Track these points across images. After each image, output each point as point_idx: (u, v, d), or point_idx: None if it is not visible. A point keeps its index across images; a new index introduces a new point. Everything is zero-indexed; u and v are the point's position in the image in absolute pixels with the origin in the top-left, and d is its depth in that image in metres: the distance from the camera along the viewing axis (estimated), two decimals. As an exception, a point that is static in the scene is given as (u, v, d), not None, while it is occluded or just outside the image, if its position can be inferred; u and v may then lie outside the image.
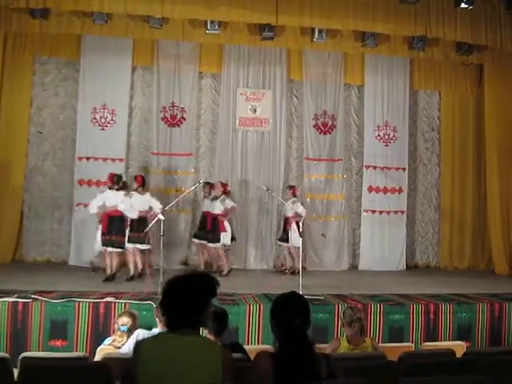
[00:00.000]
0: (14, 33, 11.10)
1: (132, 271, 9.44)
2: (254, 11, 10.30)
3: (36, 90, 11.60)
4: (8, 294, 7.07)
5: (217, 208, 10.31)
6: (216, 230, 10.22)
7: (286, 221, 10.86)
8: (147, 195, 9.71)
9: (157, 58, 11.78)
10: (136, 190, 9.66)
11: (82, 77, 11.48)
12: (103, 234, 9.27)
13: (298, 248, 9.70)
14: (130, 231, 9.39)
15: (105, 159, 11.40)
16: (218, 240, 10.20)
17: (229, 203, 10.41)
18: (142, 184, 9.77)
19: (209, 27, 10.85)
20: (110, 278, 9.17)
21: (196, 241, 10.97)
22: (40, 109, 11.62)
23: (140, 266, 9.52)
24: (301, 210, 10.67)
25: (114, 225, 9.27)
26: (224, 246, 10.35)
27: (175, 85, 11.86)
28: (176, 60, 11.82)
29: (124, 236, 9.33)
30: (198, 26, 11.07)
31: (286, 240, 10.81)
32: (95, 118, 11.50)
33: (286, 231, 10.90)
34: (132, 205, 9.37)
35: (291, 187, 11.05)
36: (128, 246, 9.35)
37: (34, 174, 11.57)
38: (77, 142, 11.45)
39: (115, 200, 9.34)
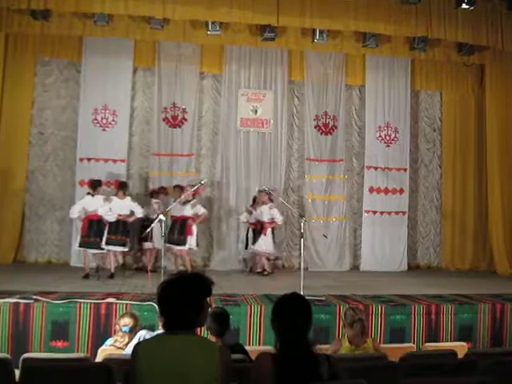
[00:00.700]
0: (16, 34, 11.13)
1: (112, 269, 9.67)
2: (255, 12, 10.31)
3: (37, 91, 11.63)
4: (10, 294, 7.07)
5: (186, 211, 10.27)
6: (183, 233, 10.20)
7: (262, 225, 10.74)
8: (127, 199, 9.83)
9: (158, 58, 11.79)
10: (116, 194, 9.79)
11: (84, 78, 11.50)
12: (82, 236, 9.56)
13: (269, 253, 10.62)
14: (108, 233, 9.58)
15: (106, 160, 11.42)
16: (184, 243, 10.15)
17: (200, 209, 10.35)
18: (120, 188, 9.85)
19: (210, 28, 10.86)
20: (87, 276, 9.45)
21: (166, 244, 10.85)
22: (41, 110, 11.65)
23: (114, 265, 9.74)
24: (277, 216, 10.77)
25: (92, 228, 9.50)
26: (190, 249, 10.31)
27: (176, 86, 11.88)
28: (177, 61, 11.83)
29: (101, 238, 9.52)
30: (199, 27, 11.08)
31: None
32: (96, 119, 11.51)
33: (257, 236, 10.77)
34: (111, 208, 9.55)
35: (266, 192, 10.78)
36: (106, 247, 9.58)
37: (36, 174, 11.59)
38: (78, 142, 11.47)
39: (95, 205, 9.56)
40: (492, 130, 12.27)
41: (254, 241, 10.81)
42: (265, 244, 10.66)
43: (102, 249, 9.56)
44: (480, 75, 12.81)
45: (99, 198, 9.64)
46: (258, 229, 10.80)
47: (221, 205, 11.96)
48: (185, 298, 2.88)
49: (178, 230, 10.23)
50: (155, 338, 3.09)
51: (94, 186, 9.77)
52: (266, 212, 10.70)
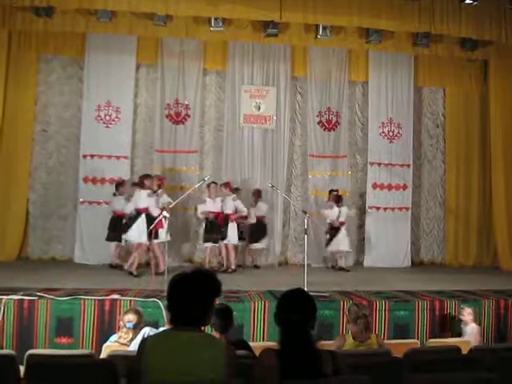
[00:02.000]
0: (19, 31, 11.12)
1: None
2: (258, 8, 10.29)
3: (40, 89, 11.63)
4: (14, 291, 7.09)
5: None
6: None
7: (226, 218, 10.53)
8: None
9: (161, 55, 11.79)
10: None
11: (87, 75, 11.51)
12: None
13: (235, 246, 10.57)
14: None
15: (109, 157, 11.44)
16: (156, 237, 9.69)
17: (166, 199, 9.98)
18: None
19: (213, 24, 10.83)
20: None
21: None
22: (45, 107, 11.65)
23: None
24: (241, 206, 10.67)
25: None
26: (159, 242, 9.80)
27: (179, 82, 11.87)
28: (180, 57, 11.82)
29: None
30: (202, 23, 11.05)
31: (222, 238, 10.56)
32: (99, 116, 11.52)
33: (221, 228, 10.56)
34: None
35: (226, 184, 10.75)
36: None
37: (39, 172, 11.60)
38: (81, 139, 11.47)
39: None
40: (496, 126, 12.24)
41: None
42: (232, 235, 10.55)
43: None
44: (483, 71, 12.77)
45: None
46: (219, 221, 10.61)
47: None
48: (195, 295, 2.88)
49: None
50: (161, 333, 3.10)
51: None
52: (230, 204, 10.56)
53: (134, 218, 9.65)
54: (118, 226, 10.27)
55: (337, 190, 11.48)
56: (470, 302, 7.64)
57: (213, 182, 10.67)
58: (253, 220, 11.14)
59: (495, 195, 12.28)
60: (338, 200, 11.24)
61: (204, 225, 10.82)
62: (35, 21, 10.56)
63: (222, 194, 10.69)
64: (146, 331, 4.93)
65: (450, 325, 7.38)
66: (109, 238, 10.45)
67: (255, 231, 11.26)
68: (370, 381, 3.01)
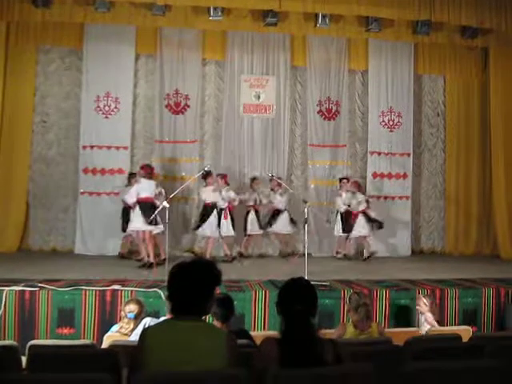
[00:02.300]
0: (17, 22, 11.06)
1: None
2: (257, -3, 10.26)
3: (39, 80, 11.60)
4: (15, 282, 7.11)
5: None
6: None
7: (221, 210, 10.48)
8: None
9: (160, 45, 11.74)
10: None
11: (86, 65, 11.47)
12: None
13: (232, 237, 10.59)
14: None
15: (109, 147, 11.42)
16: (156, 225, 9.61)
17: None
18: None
19: (212, 14, 10.76)
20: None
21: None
22: (44, 98, 11.63)
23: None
24: (233, 195, 10.60)
25: None
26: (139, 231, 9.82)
27: (179, 72, 11.84)
28: (179, 47, 11.78)
29: None
30: (201, 13, 10.99)
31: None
32: (99, 107, 11.50)
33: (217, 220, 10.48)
34: None
35: (222, 176, 10.77)
36: None
37: (39, 163, 11.59)
38: (81, 130, 11.45)
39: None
40: (496, 114, 12.22)
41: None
42: (228, 227, 10.54)
43: None
44: (484, 59, 12.72)
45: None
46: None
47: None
48: (196, 284, 2.89)
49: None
50: (162, 323, 3.11)
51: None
52: (224, 196, 10.52)
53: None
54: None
55: (346, 178, 11.55)
56: (471, 290, 7.68)
57: (219, 174, 10.76)
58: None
59: (495, 184, 12.28)
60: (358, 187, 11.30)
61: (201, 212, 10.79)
62: (33, 12, 10.50)
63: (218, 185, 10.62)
64: (147, 321, 4.95)
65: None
66: (124, 229, 10.36)
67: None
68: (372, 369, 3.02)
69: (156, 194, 9.61)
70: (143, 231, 9.58)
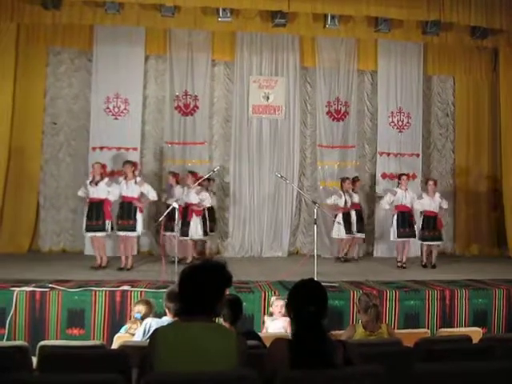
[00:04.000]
0: (27, 24, 11.14)
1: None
2: (266, -2, 10.27)
3: (49, 81, 11.67)
4: (26, 283, 7.16)
5: (102, 193, 9.45)
6: (101, 218, 9.39)
7: (187, 210, 9.98)
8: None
9: (169, 46, 11.78)
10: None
11: (95, 67, 11.51)
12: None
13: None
14: None
15: (118, 149, 11.44)
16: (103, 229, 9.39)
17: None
18: None
19: (221, 15, 10.80)
20: None
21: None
22: (54, 99, 11.69)
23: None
24: (205, 196, 10.17)
25: None
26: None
27: (188, 73, 11.85)
28: (188, 48, 11.80)
29: None
30: (210, 14, 11.03)
31: (187, 233, 10.01)
32: (108, 108, 11.53)
33: (186, 222, 10.03)
34: None
35: (193, 173, 10.46)
36: None
37: (49, 164, 11.65)
38: (90, 131, 11.50)
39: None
40: (506, 115, 12.17)
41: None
42: (198, 230, 10.12)
43: None
44: (493, 59, 12.68)
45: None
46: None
47: (234, 192, 11.96)
48: (207, 285, 2.90)
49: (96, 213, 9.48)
50: (173, 324, 3.11)
51: None
52: (193, 195, 10.09)
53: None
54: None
55: (348, 178, 11.38)
56: (481, 291, 7.64)
57: (190, 172, 10.59)
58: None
59: (505, 184, 12.22)
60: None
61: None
62: (43, 13, 10.59)
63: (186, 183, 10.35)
64: (149, 322, 4.94)
65: None
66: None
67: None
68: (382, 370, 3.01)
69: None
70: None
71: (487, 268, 10.18)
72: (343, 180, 11.30)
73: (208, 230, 10.53)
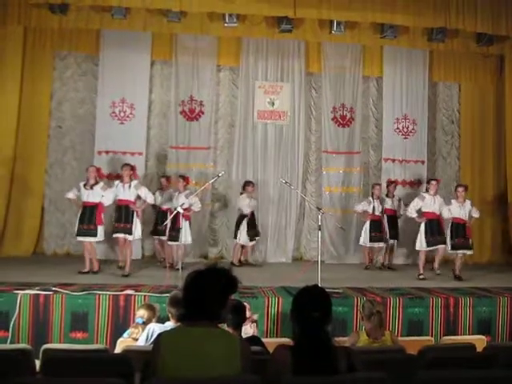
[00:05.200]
0: (34, 28, 11.19)
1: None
2: (272, 4, 10.29)
3: (56, 85, 11.70)
4: (30, 286, 7.17)
5: (96, 197, 9.33)
6: (93, 223, 9.25)
7: (177, 215, 9.26)
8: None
9: (175, 51, 11.80)
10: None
11: (101, 71, 11.55)
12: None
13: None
14: None
15: (124, 153, 11.46)
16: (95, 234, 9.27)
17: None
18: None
19: (227, 20, 10.84)
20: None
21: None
22: (60, 103, 11.73)
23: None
24: (194, 200, 9.98)
25: None
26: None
27: (193, 78, 11.88)
28: (194, 53, 11.83)
29: None
30: (216, 20, 11.06)
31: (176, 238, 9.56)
32: (114, 112, 11.57)
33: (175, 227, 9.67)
34: None
35: (184, 178, 10.42)
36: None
37: (54, 168, 11.68)
38: (96, 136, 11.53)
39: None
40: (511, 122, 12.12)
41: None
42: (186, 235, 9.85)
43: None
44: (499, 66, 12.65)
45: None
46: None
47: (238, 197, 11.93)
48: (212, 291, 2.90)
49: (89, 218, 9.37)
50: (177, 329, 3.11)
51: None
52: (182, 200, 9.74)
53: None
54: (160, 221, 10.25)
55: (378, 184, 11.43)
56: (485, 299, 7.62)
57: (181, 176, 10.59)
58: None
59: (511, 192, 12.17)
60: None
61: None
62: (50, 18, 10.65)
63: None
64: (151, 327, 4.94)
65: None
66: (156, 233, 10.60)
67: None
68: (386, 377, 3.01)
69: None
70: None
71: (491, 276, 10.15)
72: (373, 186, 11.26)
73: (253, 235, 10.90)
